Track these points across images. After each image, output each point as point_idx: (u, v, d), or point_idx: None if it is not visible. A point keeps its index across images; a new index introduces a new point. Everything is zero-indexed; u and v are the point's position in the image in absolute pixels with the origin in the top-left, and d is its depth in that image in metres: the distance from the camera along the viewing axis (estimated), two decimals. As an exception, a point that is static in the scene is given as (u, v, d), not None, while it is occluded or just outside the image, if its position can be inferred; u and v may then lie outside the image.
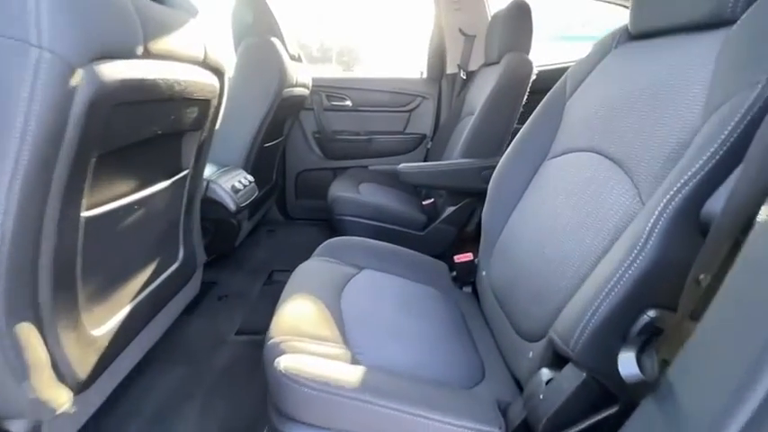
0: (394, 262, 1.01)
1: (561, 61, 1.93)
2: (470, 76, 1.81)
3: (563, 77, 0.88)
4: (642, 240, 0.44)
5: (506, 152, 0.95)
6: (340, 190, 1.60)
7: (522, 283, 0.73)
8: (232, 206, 1.11)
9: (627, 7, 0.75)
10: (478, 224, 1.65)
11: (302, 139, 2.05)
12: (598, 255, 0.57)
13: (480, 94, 1.53)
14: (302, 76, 1.53)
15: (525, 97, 1.37)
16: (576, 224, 0.65)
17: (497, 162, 1.42)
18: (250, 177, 1.27)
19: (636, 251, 0.44)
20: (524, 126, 0.91)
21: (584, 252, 0.60)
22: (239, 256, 1.65)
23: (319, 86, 1.96)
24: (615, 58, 0.75)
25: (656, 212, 0.44)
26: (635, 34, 0.72)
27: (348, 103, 2.02)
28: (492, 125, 1.38)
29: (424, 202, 1.52)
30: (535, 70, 1.37)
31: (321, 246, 1.00)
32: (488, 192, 0.97)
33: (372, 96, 2.02)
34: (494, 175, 0.97)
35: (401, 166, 1.39)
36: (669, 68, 0.59)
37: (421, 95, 2.00)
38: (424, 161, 2.06)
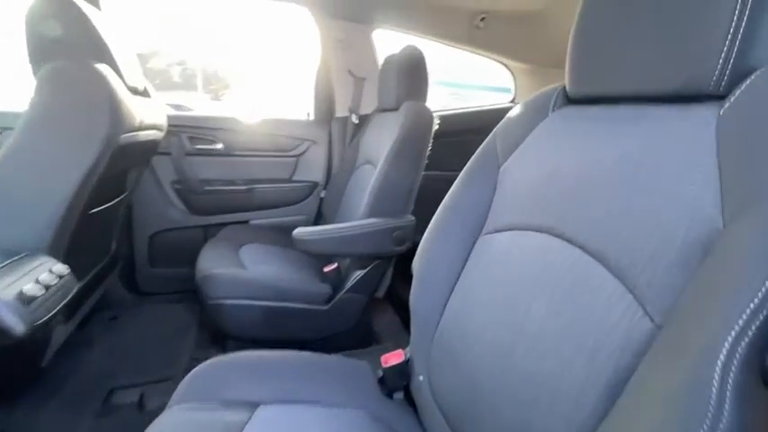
0: (300, 381, 0.72)
1: (455, 107, 1.96)
2: (364, 120, 1.67)
3: (491, 138, 0.76)
4: (712, 410, 0.29)
5: (432, 223, 0.78)
6: (213, 261, 1.23)
7: (485, 403, 0.54)
8: (18, 328, 0.67)
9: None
10: (390, 289, 1.49)
11: (157, 192, 1.59)
12: (601, 387, 0.42)
13: (378, 142, 1.38)
14: (151, 114, 1.14)
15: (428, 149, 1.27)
16: (556, 333, 0.49)
17: (408, 221, 1.28)
18: (61, 268, 0.82)
19: (707, 425, 0.28)
20: (449, 194, 0.77)
21: (579, 379, 0.44)
22: (53, 376, 1.10)
23: (179, 126, 1.56)
24: (557, 122, 0.65)
25: (719, 367, 0.29)
26: (577, 99, 0.64)
27: (219, 146, 1.66)
28: (398, 180, 1.22)
29: (325, 269, 1.26)
30: (436, 120, 1.29)
31: (182, 383, 0.65)
32: (415, 270, 0.78)
33: (251, 139, 1.70)
34: (419, 249, 0.79)
35: (297, 231, 1.12)
36: (643, 142, 0.49)
37: (309, 140, 1.77)
38: (318, 213, 1.81)
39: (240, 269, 1.20)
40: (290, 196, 1.77)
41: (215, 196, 1.65)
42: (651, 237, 0.43)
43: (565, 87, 0.67)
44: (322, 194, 1.79)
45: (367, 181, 1.40)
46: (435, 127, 1.28)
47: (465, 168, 0.78)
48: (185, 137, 1.60)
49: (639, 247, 0.43)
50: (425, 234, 0.79)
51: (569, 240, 0.54)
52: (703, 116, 0.44)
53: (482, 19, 1.55)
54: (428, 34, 1.68)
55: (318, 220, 1.81)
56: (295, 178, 1.79)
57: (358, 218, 1.22)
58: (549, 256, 0.56)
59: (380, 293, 1.34)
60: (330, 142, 1.79)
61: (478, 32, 1.62)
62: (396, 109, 1.35)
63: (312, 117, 1.81)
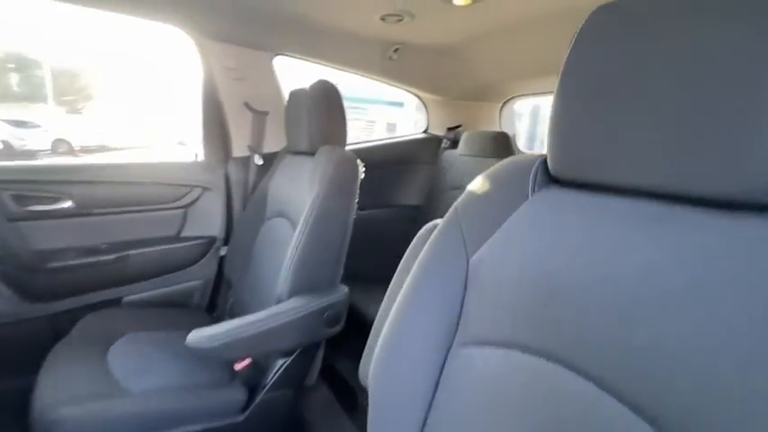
0: None
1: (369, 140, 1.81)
2: (270, 160, 1.40)
3: (451, 217, 0.61)
4: None
5: (387, 326, 0.61)
6: (63, 386, 0.84)
7: None
8: None
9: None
10: (323, 375, 1.24)
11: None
12: None
13: (293, 193, 1.15)
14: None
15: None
16: None
17: (341, 294, 1.07)
18: None
19: None
20: (405, 290, 0.60)
21: None
22: None
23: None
24: (542, 208, 0.53)
25: None
26: (568, 182, 0.52)
27: (67, 204, 1.22)
28: (325, 246, 1.01)
29: (237, 366, 0.97)
30: (361, 169, 1.11)
31: None
32: (370, 391, 0.60)
33: (116, 190, 1.30)
34: (374, 361, 0.60)
35: (192, 338, 0.81)
36: (671, 253, 0.38)
37: (201, 185, 1.43)
38: (219, 274, 1.47)
39: (108, 396, 0.84)
40: (180, 258, 1.40)
41: (64, 274, 1.20)
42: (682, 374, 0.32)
43: (545, 161, 0.55)
44: (222, 252, 1.46)
45: (281, 237, 1.15)
46: (361, 175, 1.11)
47: (423, 256, 0.62)
48: (8, 195, 1.13)
49: (688, 390, 0.33)
50: (380, 341, 0.60)
51: (577, 370, 0.42)
52: (763, 232, 0.35)
53: (395, 50, 1.43)
54: (337, 63, 1.51)
55: (220, 283, 1.48)
56: (185, 234, 1.43)
57: (275, 284, 0.98)
58: (543, 384, 0.44)
59: (311, 381, 1.10)
60: (228, 188, 1.48)
61: (391, 64, 1.51)
62: (311, 153, 1.14)
63: (202, 158, 1.47)
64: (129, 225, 1.33)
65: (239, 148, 1.45)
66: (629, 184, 0.44)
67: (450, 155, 1.82)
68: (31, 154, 9.86)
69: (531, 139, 2.68)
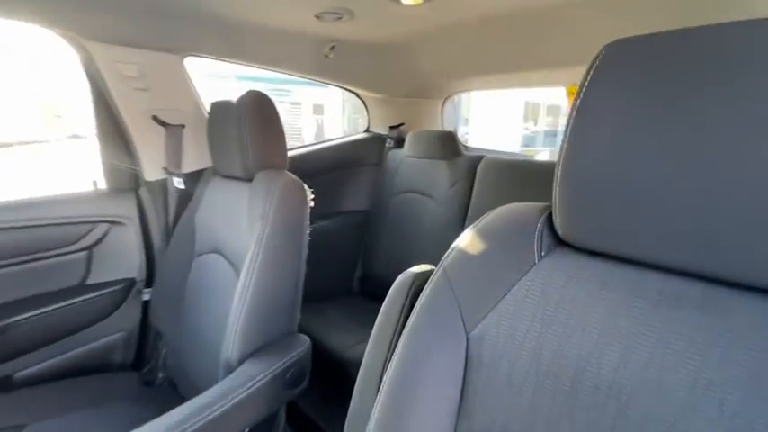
0: None
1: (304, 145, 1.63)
2: (194, 182, 1.19)
3: (440, 281, 0.53)
4: None
5: (382, 405, 0.52)
6: None
7: None
8: None
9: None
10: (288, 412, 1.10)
11: None
12: None
13: (228, 227, 0.98)
14: None
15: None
16: None
17: (302, 346, 0.93)
18: None
19: None
20: (400, 358, 0.51)
21: None
22: None
23: None
24: (554, 278, 0.45)
25: None
26: (586, 249, 0.45)
27: None
28: (277, 296, 0.87)
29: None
30: (310, 196, 0.97)
31: None
32: None
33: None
34: None
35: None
36: (719, 347, 0.34)
37: (106, 219, 1.16)
38: (144, 323, 1.24)
39: None
40: (88, 312, 1.15)
41: None
42: None
43: (549, 216, 0.48)
44: (146, 296, 1.23)
45: (219, 278, 0.98)
46: (311, 204, 0.96)
47: (415, 323, 0.54)
48: None
49: None
50: (376, 418, 0.52)
51: None
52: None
53: (332, 48, 1.27)
54: (262, 63, 1.30)
55: (146, 333, 1.25)
56: (92, 281, 1.17)
57: (220, 336, 0.84)
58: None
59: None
60: (143, 219, 1.23)
61: (327, 62, 1.34)
62: (248, 179, 0.97)
63: (102, 185, 1.19)
64: (12, 282, 1.04)
65: (152, 171, 1.20)
66: (660, 261, 0.38)
67: (395, 155, 1.73)
68: None
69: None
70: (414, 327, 0.52)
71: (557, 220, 0.45)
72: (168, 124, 1.17)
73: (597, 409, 0.39)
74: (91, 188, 1.17)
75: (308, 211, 0.95)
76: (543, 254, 0.47)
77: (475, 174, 1.45)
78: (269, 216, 0.86)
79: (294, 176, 0.95)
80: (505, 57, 1.28)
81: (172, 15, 0.98)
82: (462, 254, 0.52)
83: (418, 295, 0.63)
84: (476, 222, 0.55)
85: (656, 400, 0.35)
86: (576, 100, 0.41)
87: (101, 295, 1.16)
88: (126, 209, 1.19)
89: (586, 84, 0.40)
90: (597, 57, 0.40)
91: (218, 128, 1.02)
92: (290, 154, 1.55)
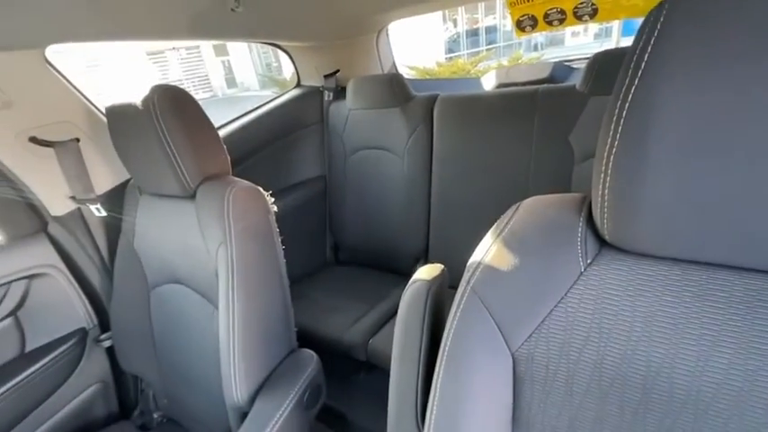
0: None
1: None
2: (117, 203, 0.98)
3: (470, 301, 0.48)
4: None
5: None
6: None
7: None
8: None
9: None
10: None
11: None
12: None
13: (183, 254, 0.85)
14: None
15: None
16: None
17: (313, 366, 0.86)
18: None
19: None
20: (443, 380, 0.47)
21: None
22: None
23: None
24: (606, 287, 0.41)
25: None
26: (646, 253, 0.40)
27: None
28: (267, 323, 0.77)
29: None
30: (270, 200, 0.83)
31: None
32: None
33: None
34: None
35: None
36: None
37: (22, 275, 0.94)
38: (115, 370, 1.10)
39: None
40: (49, 377, 0.98)
41: None
42: None
43: (589, 216, 0.42)
44: (106, 343, 1.07)
45: (189, 311, 0.89)
46: (273, 208, 0.83)
47: (452, 345, 0.47)
48: None
49: None
50: None
51: None
52: None
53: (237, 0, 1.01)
54: (155, 36, 1.01)
55: (122, 380, 1.12)
56: (34, 346, 0.99)
57: (213, 375, 0.77)
58: None
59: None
60: (68, 260, 1.01)
61: (235, 17, 1.07)
62: (191, 196, 0.80)
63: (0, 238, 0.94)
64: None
65: (57, 204, 0.96)
66: (731, 262, 0.35)
67: (338, 109, 1.55)
68: None
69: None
70: (451, 355, 0.48)
71: (603, 223, 0.39)
72: (54, 142, 0.91)
73: (671, 417, 0.37)
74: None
75: (273, 217, 0.82)
76: (589, 261, 0.42)
77: (432, 116, 1.34)
78: (231, 238, 0.73)
79: (245, 182, 0.80)
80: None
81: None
82: (492, 271, 0.46)
83: (435, 304, 0.58)
84: (499, 226, 0.48)
85: (738, 406, 0.34)
86: (629, 78, 0.32)
87: (55, 357, 0.99)
88: (41, 256, 0.97)
89: (647, 53, 0.31)
90: (657, 14, 0.30)
91: (128, 139, 0.81)
92: (221, 133, 1.33)
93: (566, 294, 0.42)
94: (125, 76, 9.35)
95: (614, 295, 0.40)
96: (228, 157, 0.85)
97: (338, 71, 1.56)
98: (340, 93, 1.56)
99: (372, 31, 1.56)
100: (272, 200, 0.83)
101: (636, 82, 0.31)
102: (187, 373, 0.92)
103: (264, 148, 1.46)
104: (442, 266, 0.61)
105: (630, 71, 0.32)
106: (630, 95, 0.32)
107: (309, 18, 1.26)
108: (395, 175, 1.43)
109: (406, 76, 1.68)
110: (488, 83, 1.55)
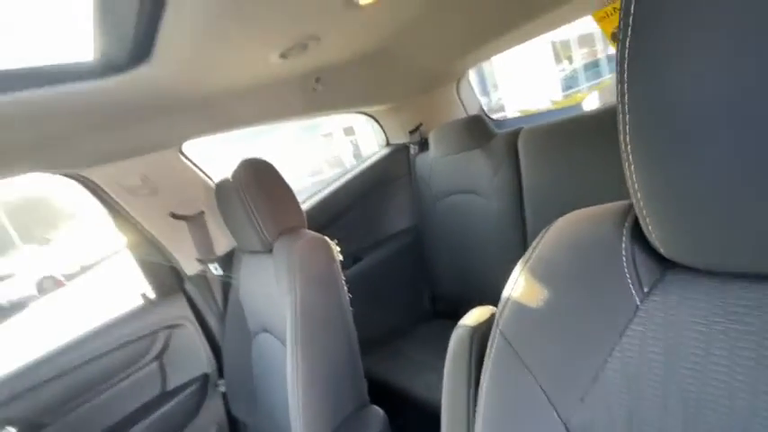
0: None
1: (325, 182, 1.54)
2: (229, 263, 1.16)
3: (503, 350, 0.38)
4: None
5: None
6: None
7: None
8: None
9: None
10: None
11: None
12: None
13: (267, 303, 0.92)
14: None
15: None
16: None
17: (379, 426, 0.82)
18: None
19: None
20: None
21: None
22: None
23: None
24: (682, 320, 0.28)
25: None
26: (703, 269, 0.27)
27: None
28: (330, 370, 0.77)
29: None
30: (336, 249, 0.86)
31: None
32: None
33: (67, 386, 1.03)
34: None
35: None
36: None
37: (166, 325, 1.17)
38: (228, 415, 1.22)
39: None
40: (176, 416, 1.15)
41: None
42: None
43: (638, 229, 0.31)
44: (222, 388, 1.21)
45: (275, 359, 0.92)
46: (339, 257, 0.86)
47: (485, 411, 0.39)
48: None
49: None
50: None
51: None
52: None
53: (317, 80, 1.17)
54: (257, 122, 1.24)
55: (235, 426, 1.23)
56: (171, 386, 1.18)
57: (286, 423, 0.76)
58: None
59: None
60: (199, 315, 1.22)
61: (317, 95, 1.25)
62: (269, 251, 0.89)
63: (152, 295, 1.21)
64: (104, 410, 1.07)
65: (190, 265, 1.19)
66: None
67: (423, 160, 1.58)
68: (19, 305, 9.48)
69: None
70: (488, 418, 0.38)
71: (656, 235, 0.28)
72: (187, 216, 1.15)
73: None
74: (142, 300, 1.18)
75: (338, 265, 0.84)
76: (647, 289, 0.30)
77: (517, 151, 1.24)
78: (296, 286, 0.77)
79: (313, 234, 0.86)
80: (508, 11, 1.08)
81: (162, 112, 0.95)
82: (521, 309, 0.37)
83: (482, 351, 0.49)
84: (526, 256, 0.39)
85: None
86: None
87: (184, 397, 1.16)
88: (179, 309, 1.19)
89: None
90: None
91: (227, 207, 0.97)
92: (315, 199, 1.48)
93: (620, 338, 0.31)
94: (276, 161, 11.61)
95: (693, 334, 0.27)
96: (304, 213, 0.93)
97: (421, 125, 1.62)
98: (424, 144, 1.59)
99: (451, 81, 1.59)
100: (338, 249, 0.86)
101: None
102: (274, 421, 0.95)
103: (357, 205, 1.56)
104: (494, 309, 0.52)
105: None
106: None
107: (384, 82, 1.37)
108: (486, 218, 1.34)
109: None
110: (591, 105, 1.38)
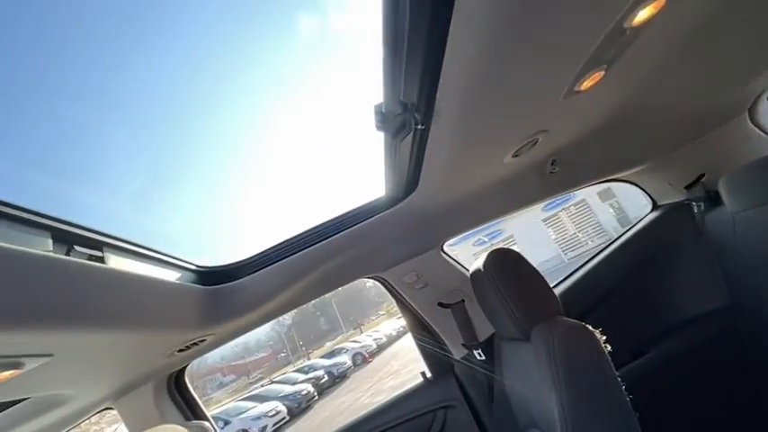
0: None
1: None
2: (490, 349, 1.22)
3: None
4: None
5: None
6: None
7: None
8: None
9: None
10: None
11: None
12: None
13: (531, 395, 0.89)
14: None
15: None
16: None
17: None
18: None
19: None
20: None
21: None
22: None
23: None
24: None
25: None
26: None
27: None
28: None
29: None
30: (600, 338, 0.77)
31: None
32: None
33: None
34: None
35: None
36: None
37: (441, 405, 1.31)
38: None
39: None
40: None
41: None
42: None
43: None
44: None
45: None
46: (607, 348, 0.76)
47: None
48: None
49: None
50: None
51: None
52: None
53: (553, 162, 1.19)
54: (504, 213, 1.35)
55: None
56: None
57: None
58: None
59: None
60: (466, 396, 1.30)
61: (555, 177, 1.25)
62: (526, 339, 0.90)
63: (429, 375, 1.39)
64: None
65: (457, 350, 1.33)
66: None
67: (717, 218, 1.21)
68: (344, 375, 12.76)
69: None
70: None
71: None
72: (451, 304, 1.32)
73: None
74: (421, 378, 1.39)
75: (607, 357, 0.75)
76: None
77: None
78: (559, 381, 0.73)
79: (572, 322, 0.81)
80: None
81: (426, 223, 1.21)
82: None
83: None
84: None
85: None
86: None
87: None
88: (451, 391, 1.31)
89: None
90: None
91: (482, 296, 1.06)
92: (571, 280, 1.38)
93: None
94: (529, 240, 11.38)
95: None
96: (558, 300, 0.91)
97: (703, 175, 1.29)
98: (714, 198, 1.25)
99: (740, 111, 1.23)
100: (604, 337, 0.77)
101: None
102: None
103: (624, 287, 1.33)
104: None
105: None
106: None
107: (635, 144, 1.22)
108: None
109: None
110: None
